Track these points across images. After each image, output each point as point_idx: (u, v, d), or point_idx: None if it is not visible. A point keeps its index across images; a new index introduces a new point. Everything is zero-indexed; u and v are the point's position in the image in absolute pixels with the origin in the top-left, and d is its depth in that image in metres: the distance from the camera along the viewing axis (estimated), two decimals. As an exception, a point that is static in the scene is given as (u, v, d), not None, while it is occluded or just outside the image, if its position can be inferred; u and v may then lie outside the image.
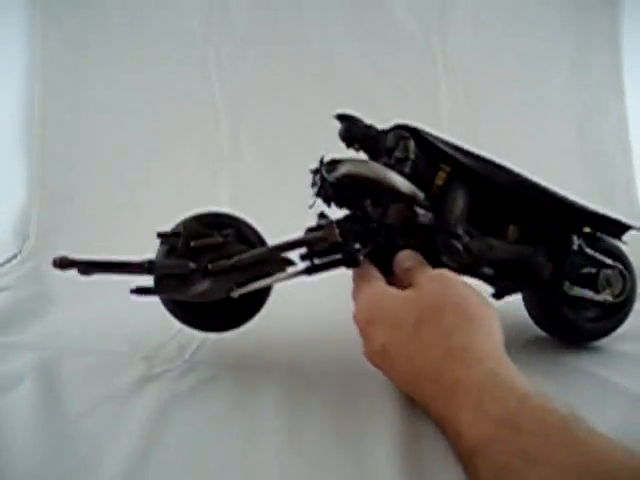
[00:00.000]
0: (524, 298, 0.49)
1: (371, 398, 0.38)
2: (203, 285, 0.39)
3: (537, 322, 0.49)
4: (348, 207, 0.42)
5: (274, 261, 0.40)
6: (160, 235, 0.41)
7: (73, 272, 0.38)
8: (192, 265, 0.39)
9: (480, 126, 0.82)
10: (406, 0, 0.80)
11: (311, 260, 0.40)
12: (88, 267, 0.38)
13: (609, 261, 0.46)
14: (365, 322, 0.36)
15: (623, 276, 0.46)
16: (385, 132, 0.42)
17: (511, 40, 0.82)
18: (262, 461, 0.32)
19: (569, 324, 0.46)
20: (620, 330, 0.47)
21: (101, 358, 0.45)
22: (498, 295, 0.46)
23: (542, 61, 0.82)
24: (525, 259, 0.43)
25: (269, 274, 0.40)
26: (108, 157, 0.79)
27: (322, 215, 0.43)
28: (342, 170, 0.39)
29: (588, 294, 0.45)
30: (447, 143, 0.41)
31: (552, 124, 0.83)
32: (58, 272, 0.39)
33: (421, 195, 0.40)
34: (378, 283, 0.37)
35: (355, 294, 0.39)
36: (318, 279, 0.41)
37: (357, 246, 0.40)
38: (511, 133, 0.82)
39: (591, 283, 0.45)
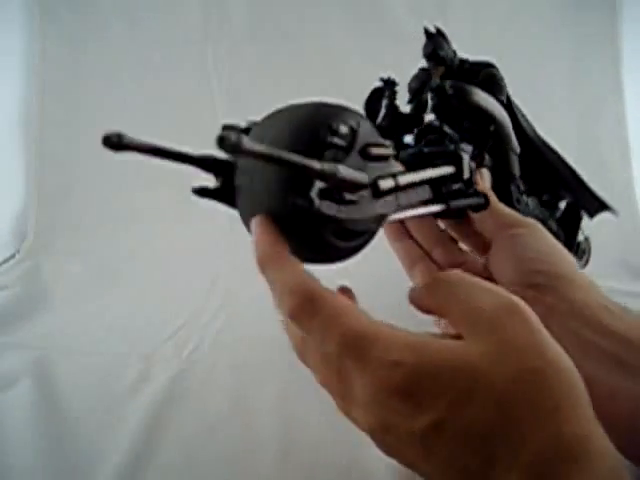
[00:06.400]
0: None
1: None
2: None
3: None
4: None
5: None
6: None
7: (71, 272, 0.38)
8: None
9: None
10: (405, -2, 0.80)
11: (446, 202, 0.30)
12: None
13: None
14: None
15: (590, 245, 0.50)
16: (470, 65, 0.38)
17: (509, 39, 0.82)
18: (259, 463, 0.32)
19: None
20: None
21: (98, 358, 0.45)
22: None
23: (540, 60, 0.82)
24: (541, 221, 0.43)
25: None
26: (106, 156, 0.77)
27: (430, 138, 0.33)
28: (474, 98, 0.35)
29: None
30: None
31: (550, 124, 0.82)
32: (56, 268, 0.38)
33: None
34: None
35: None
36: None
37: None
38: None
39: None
